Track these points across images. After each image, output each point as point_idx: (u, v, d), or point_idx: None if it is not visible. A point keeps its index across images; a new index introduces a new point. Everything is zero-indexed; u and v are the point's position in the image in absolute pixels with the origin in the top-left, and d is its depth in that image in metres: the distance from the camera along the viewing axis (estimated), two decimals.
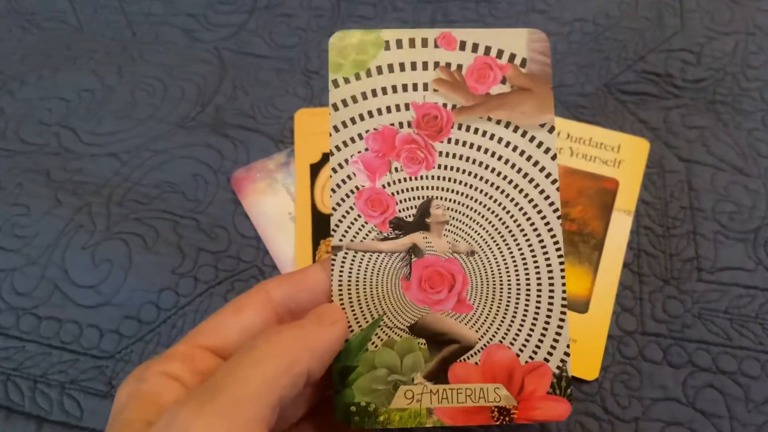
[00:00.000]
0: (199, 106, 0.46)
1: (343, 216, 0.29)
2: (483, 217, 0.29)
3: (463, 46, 0.30)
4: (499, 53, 0.30)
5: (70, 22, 0.51)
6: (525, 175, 0.29)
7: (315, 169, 0.42)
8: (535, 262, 0.29)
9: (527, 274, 0.29)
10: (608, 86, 0.45)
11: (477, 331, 0.29)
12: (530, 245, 0.29)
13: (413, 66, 0.29)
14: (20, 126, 0.45)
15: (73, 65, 0.48)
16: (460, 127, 0.29)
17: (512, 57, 0.30)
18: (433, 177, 0.29)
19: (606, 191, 0.41)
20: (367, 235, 0.29)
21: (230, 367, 0.22)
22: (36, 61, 0.48)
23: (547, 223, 0.29)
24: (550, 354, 0.28)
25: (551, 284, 0.29)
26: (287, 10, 0.50)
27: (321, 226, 0.41)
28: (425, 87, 0.29)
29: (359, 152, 0.29)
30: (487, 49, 0.30)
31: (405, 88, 0.29)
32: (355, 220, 0.29)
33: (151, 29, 0.50)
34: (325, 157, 0.42)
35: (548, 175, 0.29)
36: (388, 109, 0.29)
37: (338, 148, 0.29)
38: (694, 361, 0.37)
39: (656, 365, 0.37)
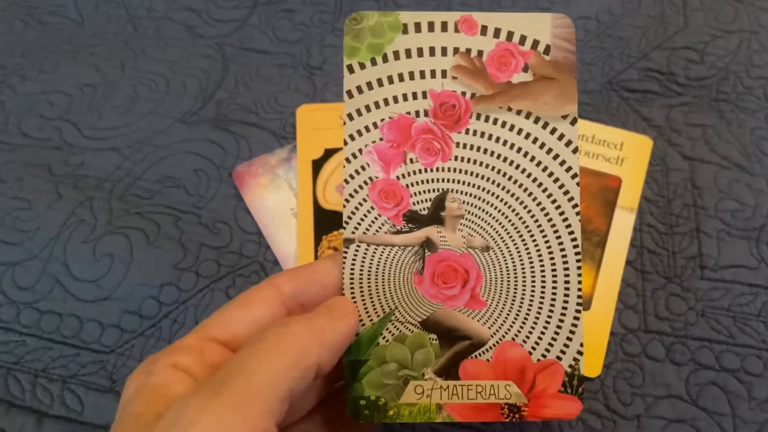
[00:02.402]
0: (200, 102, 0.46)
1: (356, 208, 0.28)
2: (499, 211, 0.29)
3: (484, 30, 0.28)
4: (522, 39, 0.28)
5: (72, 16, 0.51)
6: (545, 169, 0.28)
7: (317, 165, 0.42)
8: (552, 258, 0.28)
9: (543, 270, 0.28)
10: (611, 84, 0.45)
11: (489, 328, 0.28)
12: (547, 241, 0.28)
13: (432, 51, 0.28)
14: (21, 120, 0.45)
15: (74, 60, 0.48)
16: (478, 117, 0.28)
17: (535, 43, 0.28)
18: (449, 169, 0.28)
19: (609, 189, 0.41)
20: (380, 227, 0.28)
21: (239, 359, 0.22)
22: (37, 55, 0.48)
23: (565, 219, 0.28)
24: (563, 352, 0.28)
25: (567, 281, 0.28)
26: (290, 6, 0.50)
27: (323, 221, 0.41)
28: (444, 74, 0.28)
29: (374, 142, 0.28)
30: (510, 35, 0.28)
31: (422, 74, 0.28)
32: (368, 212, 0.28)
33: (153, 24, 0.50)
34: (327, 153, 0.42)
35: (569, 169, 0.28)
36: (405, 97, 0.28)
37: (352, 137, 0.29)
38: (696, 358, 0.37)
39: (659, 363, 0.37)
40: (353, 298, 0.28)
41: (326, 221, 0.40)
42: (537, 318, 0.28)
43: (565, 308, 0.28)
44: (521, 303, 0.28)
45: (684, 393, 0.36)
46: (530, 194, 0.28)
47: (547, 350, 0.28)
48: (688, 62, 0.45)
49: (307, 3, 0.50)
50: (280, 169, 0.43)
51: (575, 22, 0.47)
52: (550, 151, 0.28)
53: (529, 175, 0.28)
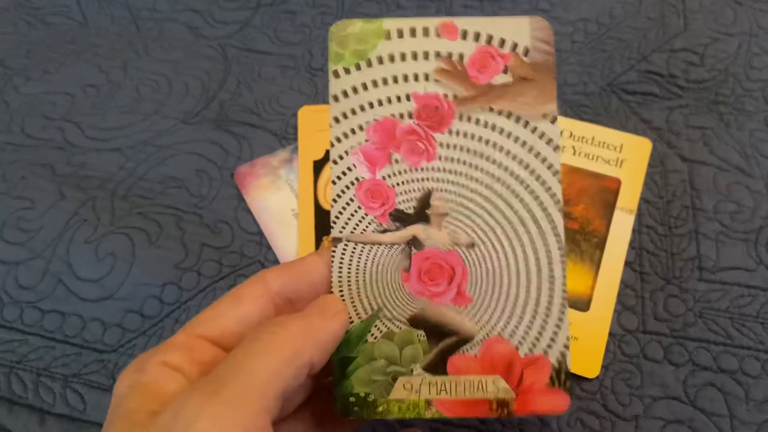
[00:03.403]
0: (203, 102, 0.46)
1: (343, 208, 0.29)
2: (483, 209, 0.29)
3: (464, 35, 0.29)
4: (501, 42, 0.29)
5: (75, 17, 0.51)
6: (526, 167, 0.29)
7: (318, 166, 0.42)
8: (536, 254, 0.29)
9: (527, 266, 0.29)
10: (611, 86, 0.46)
11: (476, 324, 0.29)
12: (531, 237, 0.29)
13: (414, 56, 0.29)
14: (25, 120, 0.45)
15: (77, 60, 0.48)
16: (461, 118, 0.29)
17: (514, 46, 0.29)
18: (433, 168, 0.29)
19: (608, 190, 0.41)
20: (367, 227, 0.29)
21: (235, 358, 0.22)
22: (41, 55, 0.49)
23: (548, 215, 0.29)
24: (549, 347, 0.28)
25: (551, 276, 0.29)
26: (292, 7, 0.50)
27: (324, 222, 0.41)
28: (426, 77, 0.29)
29: (359, 144, 0.29)
30: (489, 38, 0.29)
31: (406, 78, 0.29)
32: (355, 211, 0.29)
33: (156, 25, 0.50)
34: (328, 154, 0.43)
35: (550, 166, 0.29)
36: (389, 100, 0.29)
37: (338, 140, 0.29)
38: (694, 359, 0.37)
39: (657, 364, 0.37)
40: (342, 296, 0.28)
41: (327, 222, 0.41)
42: (523, 313, 0.29)
43: (550, 302, 0.29)
44: (507, 298, 0.29)
45: (682, 394, 0.36)
46: (513, 191, 0.29)
47: (534, 344, 0.29)
48: (687, 65, 0.46)
49: (309, 5, 0.50)
50: (282, 170, 0.43)
51: (575, 25, 0.48)
52: (531, 149, 0.29)
53: (511, 173, 0.29)
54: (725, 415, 0.35)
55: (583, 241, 0.40)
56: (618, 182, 0.41)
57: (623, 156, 0.42)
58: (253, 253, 0.41)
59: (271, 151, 0.44)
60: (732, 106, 0.44)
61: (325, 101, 0.46)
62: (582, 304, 0.38)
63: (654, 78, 0.45)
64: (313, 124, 0.44)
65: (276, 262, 0.40)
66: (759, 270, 0.39)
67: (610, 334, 0.38)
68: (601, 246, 0.40)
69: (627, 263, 0.40)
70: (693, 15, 0.48)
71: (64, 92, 0.47)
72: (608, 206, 0.41)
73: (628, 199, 0.41)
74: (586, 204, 0.41)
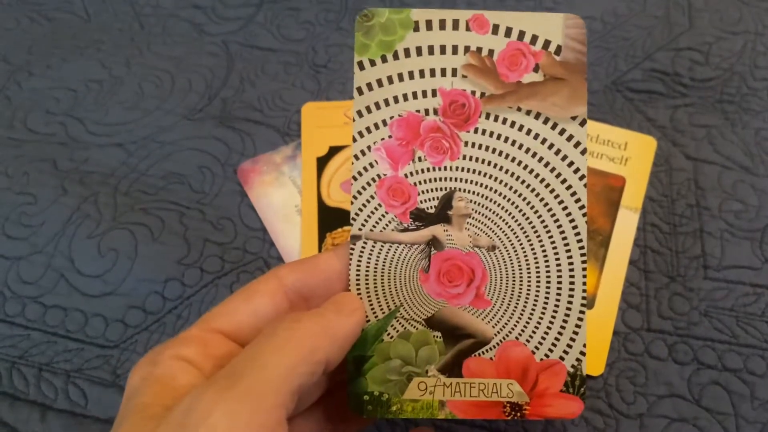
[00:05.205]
0: (206, 99, 0.46)
1: (363, 205, 0.28)
2: (506, 211, 0.29)
3: (495, 29, 0.28)
4: (533, 39, 0.28)
5: (78, 12, 0.51)
6: (552, 170, 0.28)
7: (321, 163, 0.42)
8: (557, 259, 0.28)
9: (548, 271, 0.28)
10: (616, 84, 0.45)
11: (493, 327, 0.28)
12: (553, 242, 0.28)
13: (442, 50, 0.28)
14: (27, 115, 0.45)
15: (80, 56, 0.48)
16: (488, 117, 0.28)
17: (547, 44, 0.28)
18: (457, 168, 0.28)
19: (613, 188, 0.41)
20: (386, 225, 0.28)
21: (251, 353, 0.22)
22: (43, 51, 0.48)
23: (571, 220, 0.28)
24: (566, 352, 0.28)
25: (572, 282, 0.28)
26: (295, 4, 0.50)
27: (327, 219, 0.41)
28: (454, 72, 0.28)
29: (382, 139, 0.28)
30: (521, 34, 0.28)
31: (433, 72, 0.28)
32: (376, 209, 0.28)
33: (159, 21, 0.50)
34: (332, 151, 0.42)
35: (576, 170, 0.28)
36: (414, 95, 0.28)
37: (361, 134, 0.28)
38: (699, 358, 0.37)
39: (662, 362, 0.37)
40: (359, 294, 0.28)
41: (330, 218, 0.41)
42: (541, 318, 0.28)
43: (569, 309, 0.28)
44: (526, 303, 0.28)
45: (687, 392, 0.36)
46: (537, 195, 0.28)
47: (551, 350, 0.28)
48: (692, 63, 0.46)
49: (312, 1, 0.50)
50: (285, 167, 0.43)
51: None
52: (558, 152, 0.28)
53: (536, 176, 0.28)
54: (730, 413, 0.35)
55: (588, 239, 0.40)
56: (623, 180, 0.41)
57: (628, 154, 0.42)
58: (256, 249, 0.40)
59: (274, 148, 0.43)
60: (737, 104, 0.44)
61: (329, 98, 0.46)
62: (587, 302, 0.38)
63: (659, 76, 0.45)
64: (316, 121, 0.44)
65: (279, 258, 0.40)
66: (764, 268, 0.39)
67: (615, 332, 0.38)
68: (605, 244, 0.40)
69: (631, 261, 0.39)
70: (698, 13, 0.48)
71: (67, 88, 0.46)
72: (613, 204, 0.41)
73: (633, 197, 0.41)
74: (591, 202, 0.41)
